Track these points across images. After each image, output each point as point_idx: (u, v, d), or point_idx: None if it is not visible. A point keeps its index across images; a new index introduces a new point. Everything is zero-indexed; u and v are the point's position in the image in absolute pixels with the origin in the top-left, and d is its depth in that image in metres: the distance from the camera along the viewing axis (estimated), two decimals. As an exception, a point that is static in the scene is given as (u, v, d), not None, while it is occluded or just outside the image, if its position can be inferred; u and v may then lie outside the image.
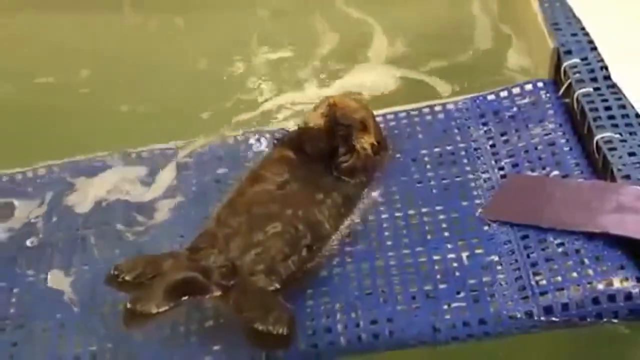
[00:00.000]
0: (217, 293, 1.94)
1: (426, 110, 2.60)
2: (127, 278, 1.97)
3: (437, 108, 2.59)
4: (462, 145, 2.45)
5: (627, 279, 1.94)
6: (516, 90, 2.55)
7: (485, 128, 2.48)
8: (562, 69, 2.46)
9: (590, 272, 1.97)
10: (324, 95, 2.56)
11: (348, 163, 2.29)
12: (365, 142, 2.34)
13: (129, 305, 1.88)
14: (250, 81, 3.24)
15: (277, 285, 2.00)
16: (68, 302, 2.24)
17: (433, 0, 3.48)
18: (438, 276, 2.10)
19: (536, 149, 2.35)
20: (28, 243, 2.42)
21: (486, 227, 2.19)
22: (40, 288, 2.30)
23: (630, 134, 2.23)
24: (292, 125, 2.51)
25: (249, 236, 2.08)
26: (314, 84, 3.15)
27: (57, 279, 2.31)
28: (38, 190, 2.59)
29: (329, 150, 2.30)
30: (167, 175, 2.55)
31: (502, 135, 2.44)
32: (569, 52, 2.48)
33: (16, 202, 2.56)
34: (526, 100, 2.51)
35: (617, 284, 1.94)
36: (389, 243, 2.21)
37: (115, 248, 2.37)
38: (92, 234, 2.42)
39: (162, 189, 2.52)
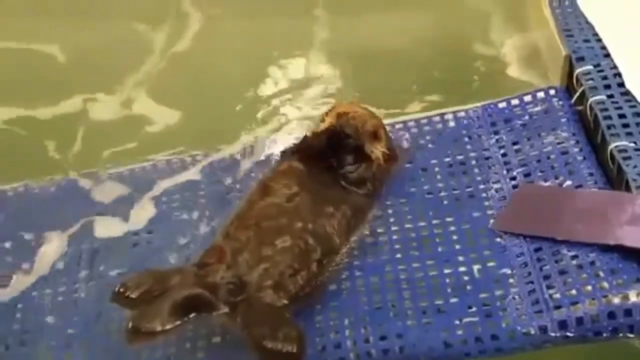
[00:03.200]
0: (225, 310, 1.90)
1: (436, 118, 2.56)
2: (132, 296, 1.92)
3: (448, 116, 2.56)
4: (473, 154, 2.42)
5: (643, 292, 1.89)
6: (528, 98, 2.51)
7: (496, 137, 2.45)
8: (575, 76, 2.42)
9: (606, 285, 1.92)
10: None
11: (355, 174, 2.25)
12: (378, 151, 2.30)
13: (132, 323, 1.83)
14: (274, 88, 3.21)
15: (285, 301, 1.96)
16: (73, 319, 2.21)
17: (442, 6, 3.43)
18: (449, 290, 2.06)
19: (549, 158, 2.30)
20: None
21: (498, 239, 2.15)
22: (45, 304, 2.27)
23: (646, 142, 2.18)
24: (300, 135, 2.47)
25: (257, 251, 2.04)
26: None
27: (61, 295, 2.29)
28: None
29: (335, 157, 2.26)
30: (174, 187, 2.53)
31: (513, 144, 2.40)
32: (581, 59, 2.43)
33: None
34: (538, 108, 2.47)
35: (633, 297, 1.88)
36: (398, 256, 2.17)
37: (122, 262, 2.34)
38: (98, 248, 2.39)
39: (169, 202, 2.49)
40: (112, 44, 3.51)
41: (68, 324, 2.21)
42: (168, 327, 1.83)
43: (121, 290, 1.94)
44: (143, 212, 2.47)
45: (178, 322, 1.85)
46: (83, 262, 2.36)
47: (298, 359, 1.85)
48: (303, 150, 2.32)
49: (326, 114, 2.37)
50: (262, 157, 2.55)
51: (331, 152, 2.26)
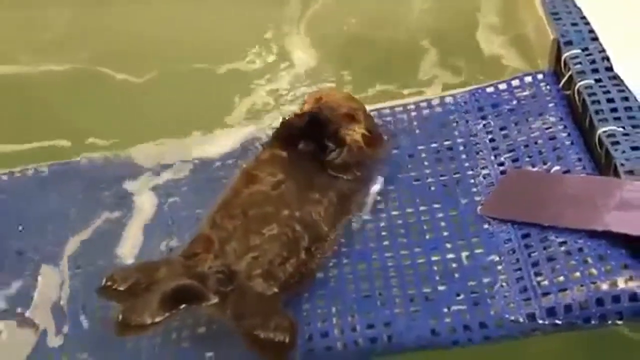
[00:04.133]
0: (215, 300, 1.87)
1: (423, 104, 2.54)
2: (120, 289, 1.90)
3: (435, 102, 2.54)
4: (460, 140, 2.40)
5: (631, 279, 1.87)
6: (515, 83, 2.49)
7: (484, 122, 2.43)
8: (563, 60, 2.40)
9: (594, 271, 1.91)
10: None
11: (338, 159, 2.23)
12: (355, 133, 2.28)
13: (121, 317, 1.81)
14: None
15: (276, 290, 1.95)
16: (58, 309, 2.19)
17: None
18: (437, 277, 2.04)
19: (536, 143, 2.29)
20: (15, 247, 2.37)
21: (486, 226, 2.14)
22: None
23: (634, 127, 2.16)
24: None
25: (245, 239, 2.02)
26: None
27: (46, 285, 2.26)
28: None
29: (317, 141, 2.24)
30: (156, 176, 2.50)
31: (501, 129, 2.38)
32: (569, 43, 2.41)
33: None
34: (526, 93, 2.45)
35: (621, 284, 1.87)
36: (386, 243, 2.16)
37: (107, 251, 2.31)
38: (82, 235, 2.37)
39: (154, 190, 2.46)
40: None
41: (53, 315, 2.19)
42: (158, 319, 1.81)
43: (108, 283, 1.92)
44: (127, 201, 2.44)
45: (168, 314, 1.83)
46: (68, 252, 2.33)
47: (290, 348, 1.84)
48: (283, 134, 2.28)
49: (305, 101, 2.36)
50: (245, 145, 2.51)
51: (312, 135, 2.23)
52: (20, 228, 2.42)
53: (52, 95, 3.22)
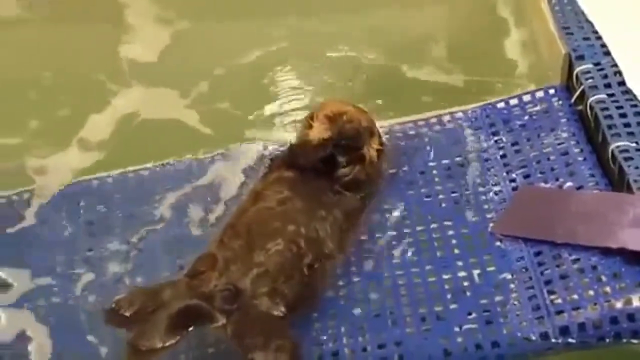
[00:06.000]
0: (222, 320, 1.85)
1: (434, 120, 2.52)
2: (126, 314, 1.87)
3: (446, 118, 2.51)
4: (471, 156, 2.38)
5: (646, 297, 1.85)
6: (527, 98, 2.47)
7: (495, 138, 2.40)
8: (575, 74, 2.37)
9: (608, 289, 1.89)
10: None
11: (350, 176, 2.21)
12: (373, 150, 2.26)
13: (131, 343, 1.79)
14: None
15: (283, 309, 1.92)
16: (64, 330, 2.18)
17: (440, 3, 3.37)
18: (448, 296, 2.02)
19: (549, 159, 2.27)
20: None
21: (498, 243, 2.11)
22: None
23: (647, 142, 2.14)
24: (288, 140, 2.41)
25: (249, 256, 1.98)
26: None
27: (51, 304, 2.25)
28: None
29: (327, 164, 2.20)
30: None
31: (513, 145, 2.36)
32: (581, 57, 2.39)
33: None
34: (537, 108, 2.43)
35: (636, 302, 1.85)
36: (396, 261, 2.13)
37: (118, 270, 2.30)
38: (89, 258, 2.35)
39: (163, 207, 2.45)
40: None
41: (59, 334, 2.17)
42: (169, 342, 1.79)
43: (115, 308, 1.90)
44: (134, 221, 2.42)
45: (178, 337, 1.81)
46: (78, 268, 2.32)
47: None
48: (297, 163, 2.23)
49: (311, 117, 2.28)
50: (250, 164, 2.49)
51: (327, 161, 2.20)
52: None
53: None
